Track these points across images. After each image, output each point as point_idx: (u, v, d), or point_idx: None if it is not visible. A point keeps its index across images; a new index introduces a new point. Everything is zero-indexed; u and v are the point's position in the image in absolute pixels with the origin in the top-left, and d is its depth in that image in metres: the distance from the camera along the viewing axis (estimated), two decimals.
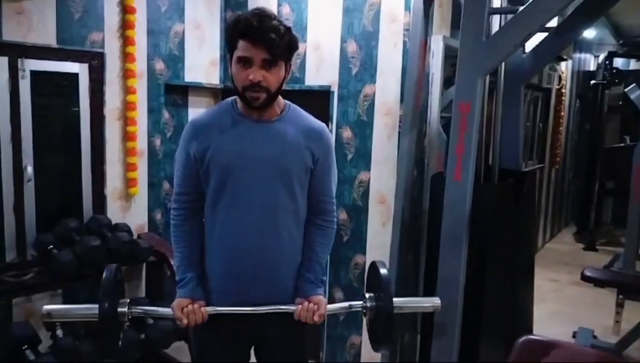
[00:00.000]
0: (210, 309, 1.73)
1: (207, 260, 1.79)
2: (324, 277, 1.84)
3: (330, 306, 1.79)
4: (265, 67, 1.61)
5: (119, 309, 1.68)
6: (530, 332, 2.97)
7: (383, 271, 1.76)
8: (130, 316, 1.71)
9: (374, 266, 1.83)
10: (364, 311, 1.79)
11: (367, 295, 1.78)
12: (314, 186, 1.79)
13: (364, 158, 3.20)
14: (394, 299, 1.70)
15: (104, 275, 1.68)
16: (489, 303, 2.48)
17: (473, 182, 2.24)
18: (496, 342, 2.51)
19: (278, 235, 1.74)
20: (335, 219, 1.88)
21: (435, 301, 1.87)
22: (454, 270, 2.27)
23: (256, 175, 1.70)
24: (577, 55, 7.14)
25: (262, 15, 1.61)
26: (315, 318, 1.72)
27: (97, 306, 1.63)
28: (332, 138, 1.85)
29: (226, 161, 1.69)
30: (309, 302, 1.74)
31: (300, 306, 1.73)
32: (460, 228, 2.24)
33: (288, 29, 1.65)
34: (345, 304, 1.85)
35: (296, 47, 1.70)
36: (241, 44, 1.61)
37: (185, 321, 1.71)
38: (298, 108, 1.81)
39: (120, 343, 1.78)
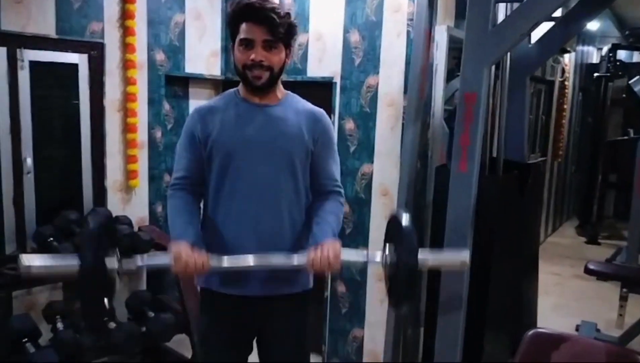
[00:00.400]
0: (214, 260, 1.58)
1: (208, 243, 1.74)
2: (336, 231, 1.71)
3: (347, 252, 1.62)
4: (267, 48, 1.64)
5: (108, 264, 1.47)
6: (535, 325, 2.96)
7: (405, 222, 1.62)
8: (120, 271, 1.52)
9: (394, 219, 1.70)
10: (384, 264, 1.64)
11: (387, 245, 1.65)
12: (315, 170, 1.79)
13: (366, 150, 3.17)
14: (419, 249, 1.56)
15: (88, 221, 1.52)
16: (494, 296, 2.46)
17: (478, 173, 2.21)
18: (501, 335, 2.49)
19: (280, 217, 1.73)
20: (342, 198, 1.82)
21: (463, 255, 1.69)
22: None
23: (258, 158, 1.71)
24: (580, 47, 7.09)
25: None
26: (331, 259, 1.56)
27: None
28: (332, 124, 1.82)
29: (228, 145, 1.70)
30: (322, 248, 1.60)
31: (312, 254, 1.60)
32: (466, 221, 2.21)
33: (288, 12, 1.68)
34: (364, 252, 1.71)
35: (295, 32, 1.72)
36: (243, 26, 1.64)
37: (183, 260, 1.55)
38: (297, 96, 1.84)
39: (109, 305, 1.55)
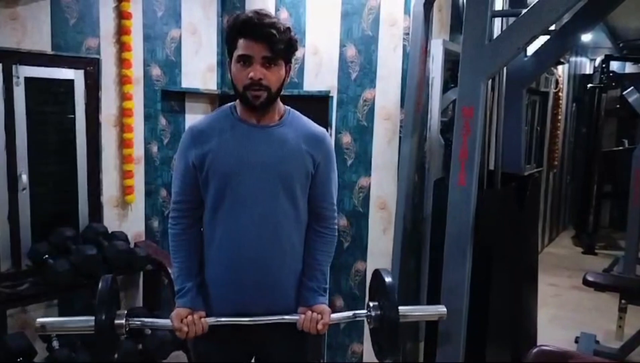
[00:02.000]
0: (211, 320, 1.68)
1: (207, 268, 1.74)
2: (326, 285, 1.80)
3: (334, 315, 1.75)
4: (266, 65, 1.59)
5: (116, 321, 1.62)
6: (535, 337, 2.94)
7: (388, 279, 1.71)
8: (127, 329, 1.65)
9: (377, 274, 1.78)
10: (368, 320, 1.74)
11: (371, 304, 1.74)
12: (314, 193, 1.75)
13: (364, 163, 3.16)
14: (399, 307, 1.67)
15: (99, 286, 1.63)
16: (495, 309, 2.45)
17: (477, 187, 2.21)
18: (502, 348, 2.48)
19: (279, 241, 1.70)
20: (336, 227, 1.84)
21: (440, 310, 1.82)
22: (459, 276, 2.23)
23: (257, 181, 1.66)
24: (573, 58, 7.14)
25: (261, 13, 1.60)
26: (319, 327, 1.68)
27: (92, 318, 1.58)
28: (333, 145, 1.81)
29: (226, 167, 1.65)
30: (312, 312, 1.70)
31: (303, 315, 1.69)
32: (465, 234, 2.21)
33: (288, 27, 1.63)
34: (349, 313, 1.81)
35: (296, 48, 1.67)
36: (241, 42, 1.58)
37: (185, 331, 1.65)
38: (298, 113, 1.78)
39: (116, 355, 1.72)
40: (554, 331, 3.98)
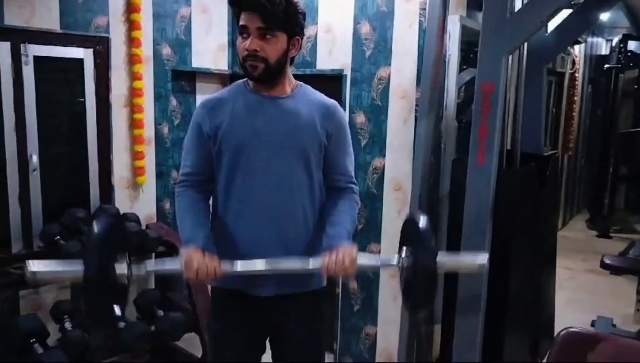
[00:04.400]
0: (226, 265, 1.54)
1: (219, 241, 1.69)
2: (351, 234, 1.67)
3: (362, 257, 1.58)
4: (261, 37, 1.58)
5: (118, 269, 1.42)
6: (552, 320, 2.89)
7: (423, 224, 1.56)
8: (130, 276, 1.46)
9: (410, 220, 1.65)
10: (400, 268, 1.59)
11: (403, 251, 1.60)
12: (328, 164, 1.73)
13: (378, 143, 3.10)
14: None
15: (94, 226, 1.43)
16: (514, 291, 2.40)
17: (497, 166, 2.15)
18: (521, 330, 2.43)
19: (293, 210, 1.68)
20: (357, 195, 1.77)
21: (480, 259, 1.64)
22: None
23: (270, 151, 1.65)
24: (590, 38, 6.99)
25: None
26: (347, 263, 1.52)
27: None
28: (345, 116, 1.76)
29: (239, 138, 1.65)
30: (337, 252, 1.55)
31: (327, 258, 1.55)
32: (484, 214, 2.15)
33: (288, 1, 1.60)
34: (378, 257, 1.69)
35: (298, 19, 1.65)
36: (242, 16, 1.60)
37: (195, 269, 1.50)
38: (309, 87, 1.78)
39: (121, 313, 1.50)
40: (570, 314, 3.93)
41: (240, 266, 1.56)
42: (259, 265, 1.56)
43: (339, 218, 1.69)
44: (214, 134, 1.66)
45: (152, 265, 1.58)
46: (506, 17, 2.11)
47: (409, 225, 1.65)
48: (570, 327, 1.47)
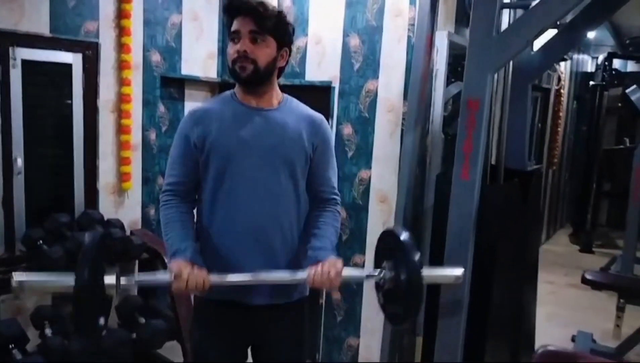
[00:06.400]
0: (215, 277, 1.55)
1: (206, 250, 1.71)
2: (335, 247, 1.70)
3: (347, 270, 1.60)
4: (253, 40, 1.63)
5: (107, 280, 1.43)
6: (533, 335, 2.92)
7: (404, 236, 1.59)
8: (119, 289, 1.47)
9: (389, 233, 1.67)
10: (382, 281, 1.61)
11: (385, 263, 1.62)
12: (313, 176, 1.76)
13: (364, 155, 3.12)
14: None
15: (85, 241, 1.45)
16: (496, 304, 2.42)
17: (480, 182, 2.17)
18: (502, 344, 2.45)
19: (279, 221, 1.69)
20: (339, 206, 1.81)
21: (457, 272, 1.72)
22: None
23: (257, 162, 1.67)
24: (575, 56, 7.10)
25: None
26: (332, 275, 1.55)
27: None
28: (331, 130, 1.79)
29: (226, 149, 1.66)
30: (323, 265, 1.58)
31: (313, 270, 1.58)
32: (467, 229, 2.17)
33: (279, 11, 1.68)
34: (362, 272, 1.70)
35: (287, 29, 1.70)
36: (233, 22, 1.65)
37: (185, 279, 1.51)
38: (295, 100, 1.81)
39: (104, 323, 1.50)
40: (550, 329, 3.96)
41: (228, 278, 1.58)
42: (246, 277, 1.58)
43: (324, 230, 1.71)
44: (201, 144, 1.67)
45: (141, 276, 1.62)
46: (492, 36, 2.14)
47: (387, 240, 1.68)
48: (548, 345, 1.49)
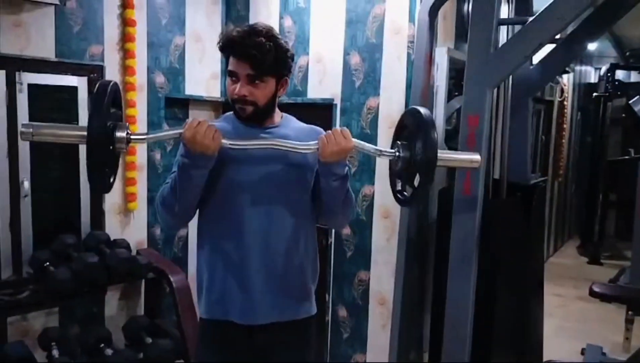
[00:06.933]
0: (226, 141, 1.51)
1: (209, 270, 1.71)
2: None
3: (356, 141, 1.56)
4: (250, 82, 1.61)
5: (117, 133, 1.40)
6: (541, 349, 2.90)
7: (425, 112, 1.55)
8: (129, 142, 1.44)
9: (412, 113, 1.61)
10: (395, 159, 1.58)
11: (399, 142, 1.59)
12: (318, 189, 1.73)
13: (367, 171, 3.14)
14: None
15: (96, 88, 1.41)
16: (500, 320, 2.41)
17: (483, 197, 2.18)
18: (508, 359, 2.43)
19: (285, 236, 1.68)
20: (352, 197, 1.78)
21: (475, 157, 1.67)
22: (464, 286, 2.20)
23: (261, 178, 1.66)
24: (578, 67, 7.12)
25: (248, 31, 1.60)
26: (343, 141, 1.51)
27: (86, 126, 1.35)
28: None
29: (232, 164, 1.66)
30: (333, 132, 1.54)
31: (324, 138, 1.53)
32: (470, 244, 2.18)
33: (277, 45, 1.61)
34: (375, 147, 1.64)
35: (287, 62, 1.67)
36: (230, 59, 1.63)
37: (194, 124, 1.46)
38: (294, 118, 1.83)
39: (112, 181, 1.50)
40: (559, 342, 3.93)
41: (239, 141, 1.55)
42: (258, 140, 1.57)
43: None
44: None
45: (152, 133, 1.59)
46: (490, 52, 2.17)
47: (408, 117, 1.63)
48: (554, 360, 1.48)
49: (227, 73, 1.64)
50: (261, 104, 1.64)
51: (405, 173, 1.60)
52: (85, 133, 1.34)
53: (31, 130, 1.40)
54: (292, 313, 1.74)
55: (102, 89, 1.41)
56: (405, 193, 1.65)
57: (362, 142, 1.60)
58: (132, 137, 1.45)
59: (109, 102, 1.39)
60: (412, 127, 1.59)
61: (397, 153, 1.59)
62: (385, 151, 1.61)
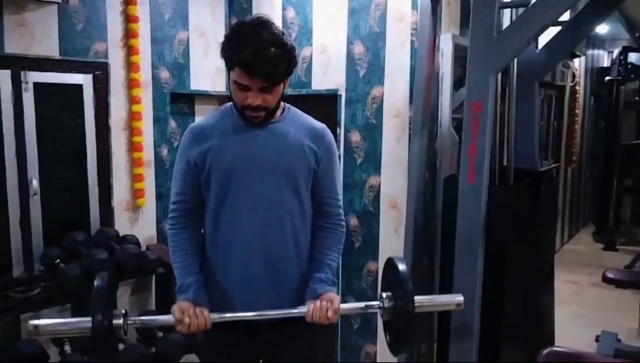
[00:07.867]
0: (215, 316, 1.60)
1: (210, 268, 1.71)
2: (335, 280, 1.73)
3: (345, 306, 1.66)
4: (264, 92, 1.57)
5: (114, 321, 1.53)
6: (552, 336, 2.87)
7: (402, 267, 1.61)
8: (126, 329, 1.56)
9: (391, 262, 1.69)
10: (381, 311, 1.64)
11: (384, 295, 1.64)
12: (317, 188, 1.73)
13: (373, 161, 3.12)
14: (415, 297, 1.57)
15: (95, 284, 1.55)
16: (509, 308, 2.39)
17: (488, 184, 2.15)
18: (518, 347, 2.41)
19: (284, 236, 1.67)
20: (344, 222, 1.80)
21: (457, 298, 1.71)
22: (471, 275, 2.18)
23: (260, 176, 1.65)
24: (590, 51, 7.00)
25: (259, 46, 1.51)
26: (329, 314, 1.58)
27: (89, 319, 1.49)
28: (334, 140, 1.77)
29: (228, 163, 1.64)
30: (321, 301, 1.61)
31: (312, 306, 1.60)
32: (476, 232, 2.16)
33: (286, 51, 1.56)
34: (361, 304, 1.72)
35: (295, 61, 1.64)
36: (237, 70, 1.54)
37: (187, 323, 1.56)
38: (297, 110, 1.77)
39: (117, 357, 1.70)
40: (574, 330, 3.89)
41: (229, 315, 1.63)
42: (247, 314, 1.62)
43: (327, 256, 1.72)
44: (202, 161, 1.66)
45: (146, 318, 1.80)
46: (493, 36, 2.13)
47: (388, 269, 1.70)
48: (554, 346, 1.47)
49: (233, 81, 1.55)
50: (272, 106, 1.62)
51: (395, 322, 1.63)
52: (89, 326, 1.49)
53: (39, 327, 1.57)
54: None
55: (100, 284, 1.56)
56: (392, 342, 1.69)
57: (350, 306, 1.72)
58: (128, 322, 1.57)
59: (106, 297, 1.54)
60: (391, 280, 1.65)
61: (382, 304, 1.63)
62: (371, 305, 1.66)
